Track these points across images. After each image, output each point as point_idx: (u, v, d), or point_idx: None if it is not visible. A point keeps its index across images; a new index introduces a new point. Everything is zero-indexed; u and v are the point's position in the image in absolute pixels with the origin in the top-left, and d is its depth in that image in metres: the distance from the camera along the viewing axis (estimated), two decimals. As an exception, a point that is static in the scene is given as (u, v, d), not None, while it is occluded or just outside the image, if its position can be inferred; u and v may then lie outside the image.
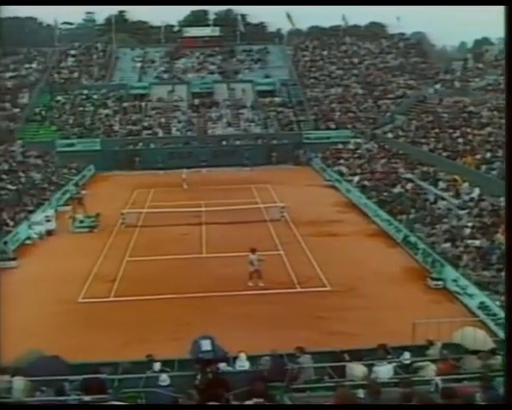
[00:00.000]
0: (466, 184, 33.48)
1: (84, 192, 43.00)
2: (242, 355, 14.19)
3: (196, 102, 64.74)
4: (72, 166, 51.95)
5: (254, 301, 23.32)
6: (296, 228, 34.03)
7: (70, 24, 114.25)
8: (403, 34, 79.19)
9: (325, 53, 74.08)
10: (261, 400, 10.14)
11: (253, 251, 25.38)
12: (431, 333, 15.18)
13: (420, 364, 13.45)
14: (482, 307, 21.23)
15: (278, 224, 35.00)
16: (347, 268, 27.01)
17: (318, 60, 72.75)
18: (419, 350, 14.70)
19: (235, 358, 14.23)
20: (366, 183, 41.73)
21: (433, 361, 13.42)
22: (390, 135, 52.86)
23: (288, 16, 77.15)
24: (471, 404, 9.15)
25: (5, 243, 30.31)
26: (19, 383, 12.50)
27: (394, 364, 13.47)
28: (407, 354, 14.22)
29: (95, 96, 64.64)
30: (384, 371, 12.83)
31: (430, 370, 12.93)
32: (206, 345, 13.96)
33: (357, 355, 13.92)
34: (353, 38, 78.01)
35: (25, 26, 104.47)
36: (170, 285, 25.28)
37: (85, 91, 65.51)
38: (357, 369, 13.00)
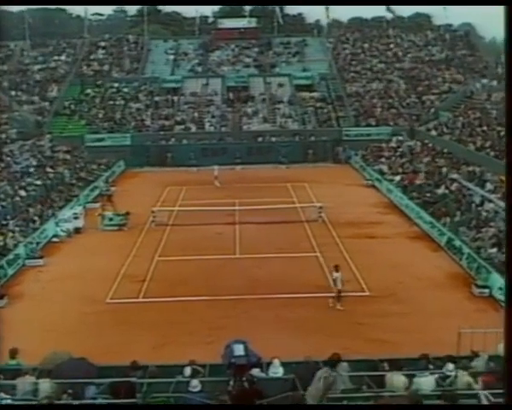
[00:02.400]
0: (514, 186, 31.68)
1: (113, 189, 43.77)
2: (276, 361, 13.84)
3: (231, 96, 64.47)
4: (101, 162, 52.02)
5: (289, 304, 23.13)
6: (334, 229, 33.60)
7: (100, 15, 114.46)
8: (450, 25, 78.31)
9: (367, 46, 72.94)
10: None
11: (337, 269, 23.27)
12: (476, 344, 14.34)
13: (452, 374, 12.99)
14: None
15: (315, 224, 34.59)
16: (387, 272, 26.67)
17: (359, 53, 71.65)
18: (463, 361, 14.05)
19: (268, 364, 13.99)
20: (407, 183, 40.97)
21: (475, 374, 12.87)
22: (434, 132, 51.64)
23: (327, 8, 76.00)
24: (471, 404, 9.49)
25: (30, 243, 30.42)
26: (45, 385, 12.59)
27: (437, 375, 12.98)
28: (450, 366, 13.39)
29: (126, 90, 64.70)
30: (426, 382, 12.47)
31: (461, 379, 12.60)
32: (238, 350, 13.85)
33: (397, 365, 13.54)
34: (397, 30, 77.34)
35: (54, 18, 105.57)
36: (202, 286, 25.30)
37: (116, 85, 65.70)
38: (397, 379, 12.63)
